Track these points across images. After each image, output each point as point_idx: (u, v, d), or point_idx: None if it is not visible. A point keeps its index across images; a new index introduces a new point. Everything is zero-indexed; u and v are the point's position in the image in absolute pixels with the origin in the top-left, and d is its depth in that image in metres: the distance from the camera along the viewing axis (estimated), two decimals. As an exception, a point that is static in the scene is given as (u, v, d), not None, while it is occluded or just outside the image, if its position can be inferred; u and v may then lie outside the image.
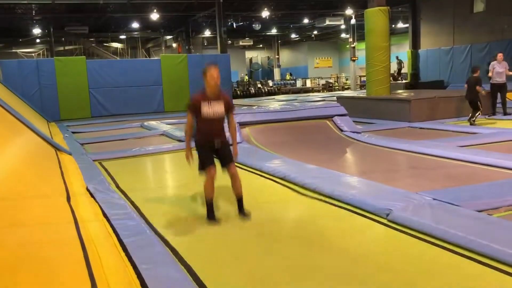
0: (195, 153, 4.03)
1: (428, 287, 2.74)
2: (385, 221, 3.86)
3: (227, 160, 3.96)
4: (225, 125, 4.11)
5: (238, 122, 7.88)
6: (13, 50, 31.69)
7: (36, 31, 26.19)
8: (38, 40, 29.66)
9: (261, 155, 6.67)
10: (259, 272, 3.05)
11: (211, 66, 3.87)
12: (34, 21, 24.29)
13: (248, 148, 7.27)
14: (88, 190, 4.93)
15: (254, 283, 2.90)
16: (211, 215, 3.98)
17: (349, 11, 24.46)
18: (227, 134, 4.11)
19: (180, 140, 9.06)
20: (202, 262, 3.20)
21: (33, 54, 31.99)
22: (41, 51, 32.49)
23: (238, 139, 7.59)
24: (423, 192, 4.37)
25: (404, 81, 21.35)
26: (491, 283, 2.75)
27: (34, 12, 21.72)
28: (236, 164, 4.25)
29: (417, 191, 4.42)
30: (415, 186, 4.85)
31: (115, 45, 32.57)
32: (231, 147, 4.06)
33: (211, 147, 3.95)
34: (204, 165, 3.88)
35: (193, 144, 4.02)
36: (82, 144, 9.08)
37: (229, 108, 4.00)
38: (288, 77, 37.39)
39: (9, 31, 26.29)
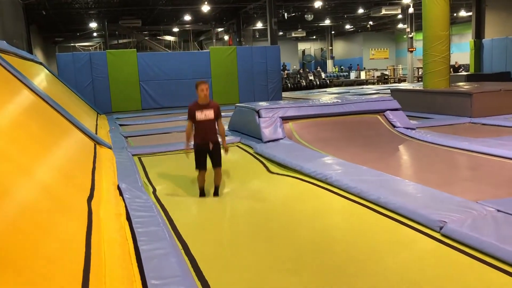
0: (191, 155, 4.95)
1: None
2: (437, 235, 3.36)
3: (216, 164, 4.96)
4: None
5: (280, 117, 7.50)
6: (72, 44, 32.92)
7: (92, 25, 26.98)
8: (95, 34, 30.60)
9: (303, 153, 6.24)
10: None
11: (201, 82, 4.86)
12: (90, 15, 24.99)
13: (290, 145, 6.85)
14: (118, 188, 4.74)
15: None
16: (202, 195, 5.01)
17: (406, 0, 23.27)
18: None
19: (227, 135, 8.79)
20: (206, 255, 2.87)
21: (90, 48, 33.06)
22: (97, 45, 33.53)
23: (280, 135, 7.23)
24: (484, 201, 3.80)
25: (465, 73, 19.98)
26: None
27: (90, 6, 22.33)
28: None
29: (478, 200, 3.85)
30: (475, 193, 4.27)
31: (168, 38, 32.96)
32: (222, 150, 5.01)
33: (206, 149, 4.89)
34: (198, 167, 4.95)
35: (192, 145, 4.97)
36: (126, 137, 9.03)
37: (217, 114, 4.91)
38: (335, 69, 36.35)
39: (68, 25, 27.29)
